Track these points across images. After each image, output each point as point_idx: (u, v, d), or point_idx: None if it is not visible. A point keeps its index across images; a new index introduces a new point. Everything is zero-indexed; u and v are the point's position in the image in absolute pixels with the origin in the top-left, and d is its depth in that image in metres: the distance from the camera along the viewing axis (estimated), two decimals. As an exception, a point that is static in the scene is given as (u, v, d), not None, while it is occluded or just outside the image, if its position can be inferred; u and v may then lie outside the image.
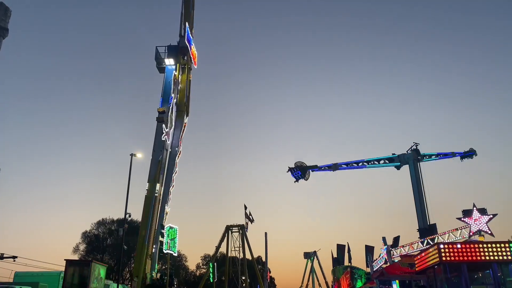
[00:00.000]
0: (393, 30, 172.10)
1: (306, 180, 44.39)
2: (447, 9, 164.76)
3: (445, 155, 45.63)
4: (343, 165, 44.47)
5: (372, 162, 44.54)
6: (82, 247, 63.44)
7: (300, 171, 43.65)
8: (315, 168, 44.48)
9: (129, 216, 32.57)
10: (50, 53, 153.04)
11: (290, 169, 44.21)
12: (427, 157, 44.93)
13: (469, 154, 45.60)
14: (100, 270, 22.63)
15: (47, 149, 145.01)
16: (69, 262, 21.78)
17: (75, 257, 59.75)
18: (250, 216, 57.99)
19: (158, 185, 27.34)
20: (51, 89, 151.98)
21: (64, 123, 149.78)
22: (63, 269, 22.23)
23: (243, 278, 58.58)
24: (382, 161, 44.36)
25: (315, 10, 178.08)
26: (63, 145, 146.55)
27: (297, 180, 44.23)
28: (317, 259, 72.27)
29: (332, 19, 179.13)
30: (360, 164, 44.56)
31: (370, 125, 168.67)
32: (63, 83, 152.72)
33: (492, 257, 14.56)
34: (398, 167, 44.18)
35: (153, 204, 26.74)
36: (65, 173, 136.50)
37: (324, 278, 71.85)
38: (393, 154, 45.49)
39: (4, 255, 24.90)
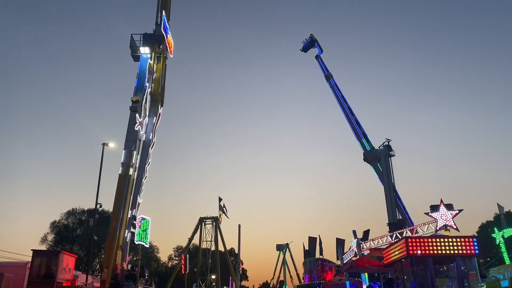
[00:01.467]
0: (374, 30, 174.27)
1: (305, 52, 48.30)
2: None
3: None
4: (334, 83, 46.84)
5: (353, 120, 45.30)
6: (50, 237, 62.13)
7: (309, 42, 47.87)
8: (320, 51, 47.82)
9: (100, 206, 32.11)
10: (17, 39, 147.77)
11: (305, 39, 48.18)
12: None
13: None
14: (69, 261, 22.19)
15: (15, 138, 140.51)
16: (36, 253, 21.24)
17: (43, 247, 58.47)
18: (224, 209, 58.02)
19: (130, 176, 26.92)
20: (21, 78, 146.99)
21: (33, 112, 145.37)
22: (29, 259, 21.68)
23: (213, 277, 58.58)
24: (361, 130, 45.38)
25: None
26: (32, 134, 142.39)
27: (303, 50, 48.14)
28: (289, 251, 73.15)
29: (312, 9, 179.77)
30: (345, 104, 45.73)
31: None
32: (34, 71, 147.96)
33: (456, 251, 15.02)
34: (365, 156, 44.97)
35: (125, 195, 26.33)
36: (33, 162, 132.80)
37: (296, 270, 72.89)
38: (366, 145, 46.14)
39: (-32, 245, 24.07)
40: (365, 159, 45.50)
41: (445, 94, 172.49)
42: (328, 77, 47.04)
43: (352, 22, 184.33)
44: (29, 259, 21.56)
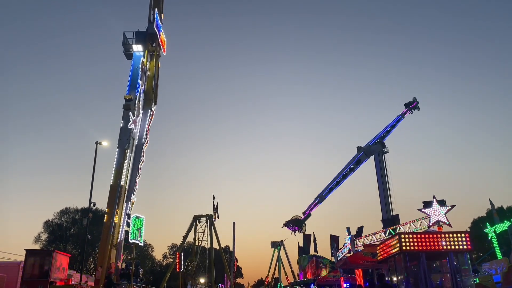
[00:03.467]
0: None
1: (304, 231, 44.99)
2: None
3: (397, 121, 46.05)
4: (326, 192, 46.00)
5: (348, 170, 45.56)
6: (44, 236, 61.80)
7: (297, 226, 44.65)
8: (308, 217, 44.75)
9: (94, 205, 31.94)
10: (11, 39, 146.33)
11: (286, 225, 44.32)
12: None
13: (414, 104, 46.74)
14: (62, 260, 22.09)
15: (7, 137, 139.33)
16: (29, 252, 21.13)
17: (37, 247, 58.14)
18: (216, 207, 58.04)
19: (124, 174, 26.81)
20: (12, 76, 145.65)
21: (26, 110, 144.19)
22: (23, 259, 21.56)
23: (202, 281, 58.61)
24: (352, 165, 45.43)
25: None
26: (24, 133, 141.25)
27: (293, 232, 45.33)
28: (284, 248, 73.35)
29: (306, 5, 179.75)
30: (339, 180, 45.56)
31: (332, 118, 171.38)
32: (25, 69, 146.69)
33: (449, 247, 15.15)
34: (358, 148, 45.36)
35: (119, 193, 26.24)
36: (27, 161, 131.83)
37: (290, 267, 73.08)
38: (358, 147, 46.43)
39: (-40, 245, 23.88)
40: (358, 148, 46.26)
41: (436, 92, 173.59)
42: (321, 200, 45.66)
43: (346, 21, 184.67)
44: (23, 258, 21.45)
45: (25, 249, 21.10)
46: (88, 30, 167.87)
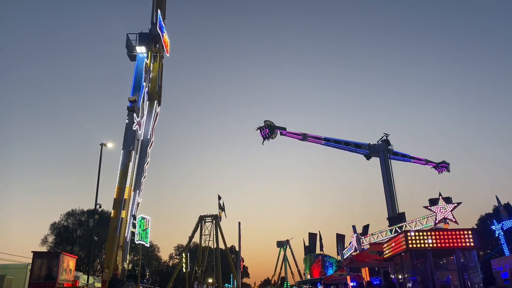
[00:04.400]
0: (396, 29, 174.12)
1: (273, 139, 43.01)
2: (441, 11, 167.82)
3: (417, 160, 45.74)
4: (312, 137, 43.26)
5: (342, 143, 44.39)
6: (50, 238, 62.09)
7: (268, 130, 41.84)
8: (283, 130, 43.28)
9: (100, 207, 32.14)
10: (17, 42, 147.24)
11: (260, 128, 43.06)
12: (398, 155, 44.94)
13: (444, 165, 46.32)
14: (69, 262, 22.18)
15: (14, 139, 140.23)
16: (36, 254, 21.21)
17: (44, 249, 58.43)
18: (223, 207, 58.10)
19: (129, 175, 26.91)
20: (18, 79, 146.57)
21: (32, 113, 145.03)
22: (30, 261, 21.68)
23: (210, 280, 58.69)
24: (351, 145, 44.29)
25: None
26: (31, 136, 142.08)
27: (264, 139, 42.13)
28: (290, 247, 73.34)
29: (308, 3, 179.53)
30: (330, 141, 44.17)
31: (348, 110, 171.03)
32: (31, 72, 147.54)
33: (455, 244, 15.07)
34: (367, 157, 44.58)
35: (124, 195, 26.34)
36: (33, 163, 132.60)
37: (297, 266, 73.06)
38: (363, 143, 46.09)
39: (-32, 248, 24.07)
40: (368, 159, 45.68)
41: (443, 88, 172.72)
42: (304, 138, 43.42)
43: (348, 19, 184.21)
44: (30, 260, 21.56)
45: (32, 251, 21.19)
46: (92, 32, 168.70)
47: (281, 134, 42.42)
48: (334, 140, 44.36)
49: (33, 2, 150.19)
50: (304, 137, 43.38)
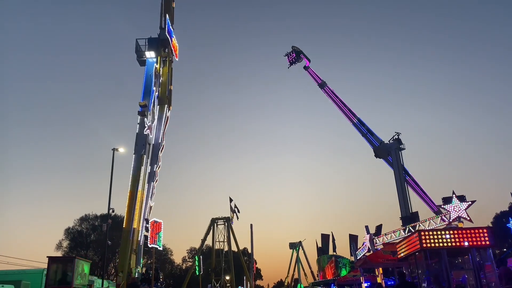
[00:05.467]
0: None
1: (299, 62, 43.70)
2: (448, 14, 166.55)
3: (428, 199, 41.64)
4: (329, 90, 43.01)
5: (356, 117, 43.16)
6: (65, 243, 62.79)
7: (295, 54, 43.46)
8: (308, 61, 43.69)
9: (113, 211, 32.36)
10: (29, 48, 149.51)
11: (287, 53, 44.01)
12: (410, 177, 41.46)
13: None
14: (84, 266, 22.39)
15: (28, 145, 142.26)
16: (51, 259, 21.46)
17: (59, 254, 59.11)
18: (236, 209, 58.09)
19: (141, 180, 27.11)
20: (31, 85, 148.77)
21: (44, 119, 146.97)
22: (46, 266, 21.96)
23: (227, 278, 58.77)
24: (364, 126, 43.06)
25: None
26: (44, 142, 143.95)
27: (291, 64, 43.92)
28: (302, 249, 73.10)
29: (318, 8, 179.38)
30: (345, 106, 42.94)
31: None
32: (44, 78, 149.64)
33: (470, 243, 14.90)
34: (376, 153, 43.95)
35: (137, 199, 26.53)
36: (46, 169, 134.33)
37: (310, 267, 72.82)
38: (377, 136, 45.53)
39: (-15, 254, 24.50)
40: (376, 155, 45.09)
41: (457, 85, 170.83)
42: (322, 85, 43.79)
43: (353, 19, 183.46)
44: (46, 265, 21.83)
45: (47, 257, 21.45)
46: (102, 37, 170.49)
47: (305, 68, 43.23)
48: (349, 108, 43.32)
49: (44, 10, 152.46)
50: (322, 84, 43.03)
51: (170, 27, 31.19)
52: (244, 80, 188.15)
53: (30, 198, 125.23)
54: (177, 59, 33.05)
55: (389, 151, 44.01)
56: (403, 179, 42.67)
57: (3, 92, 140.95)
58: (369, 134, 43.84)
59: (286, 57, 43.61)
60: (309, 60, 43.46)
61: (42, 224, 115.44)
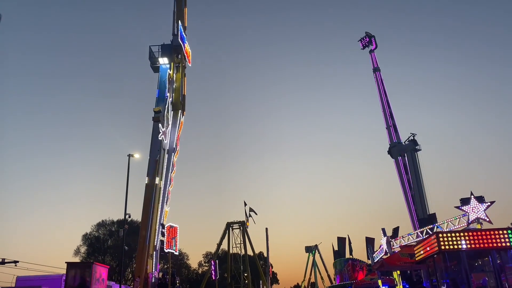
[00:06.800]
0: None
1: (370, 46, 49.18)
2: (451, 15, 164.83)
3: None
4: (380, 78, 47.87)
5: (389, 110, 46.14)
6: (83, 249, 63.51)
7: (368, 39, 49.22)
8: (375, 46, 49.09)
9: (129, 216, 32.56)
10: (47, 56, 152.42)
11: (361, 38, 49.57)
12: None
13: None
14: (101, 272, 22.65)
15: (45, 152, 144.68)
16: (70, 265, 21.77)
17: (77, 259, 59.83)
18: (251, 212, 57.98)
19: (157, 185, 27.33)
20: (49, 92, 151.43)
21: (59, 125, 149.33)
22: (64, 272, 22.24)
23: (246, 274, 58.76)
24: (393, 120, 45.63)
25: (312, 5, 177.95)
26: (60, 149, 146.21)
27: (364, 47, 49.49)
28: (319, 252, 72.58)
29: (329, 15, 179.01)
30: (384, 99, 46.50)
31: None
32: (59, 86, 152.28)
33: (490, 244, 14.64)
34: (390, 149, 44.61)
35: (153, 204, 26.75)
36: (62, 176, 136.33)
37: (326, 271, 72.24)
38: (390, 146, 45.60)
39: (6, 260, 24.88)
40: (389, 152, 45.14)
41: (473, 85, 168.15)
42: (376, 70, 48.57)
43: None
44: (64, 271, 22.12)
45: (66, 262, 21.76)
46: (117, 45, 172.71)
47: (370, 51, 48.87)
48: (388, 99, 46.99)
49: (57, 17, 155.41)
50: (376, 69, 48.38)
51: (183, 33, 31.50)
52: (259, 83, 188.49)
53: (48, 204, 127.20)
54: (190, 65, 33.34)
55: (402, 152, 43.73)
56: (420, 180, 42.21)
57: (26, 100, 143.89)
58: (393, 128, 45.57)
59: (360, 42, 49.49)
60: (376, 46, 48.99)
61: (60, 230, 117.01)
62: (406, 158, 43.84)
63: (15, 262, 25.29)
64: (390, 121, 45.96)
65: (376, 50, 49.63)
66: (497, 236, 14.75)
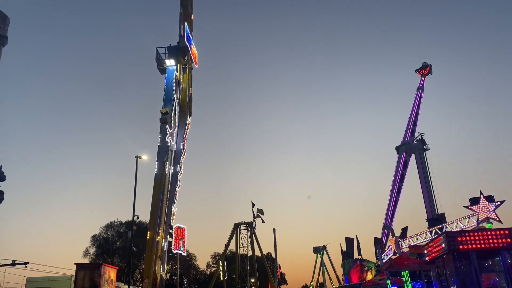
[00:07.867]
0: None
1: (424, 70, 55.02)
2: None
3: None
4: (420, 95, 52.87)
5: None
6: (92, 250, 63.89)
7: (423, 68, 54.65)
8: (429, 73, 55.51)
9: (137, 218, 32.73)
10: (55, 59, 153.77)
11: (419, 69, 54.59)
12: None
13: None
14: (110, 273, 22.74)
15: (54, 155, 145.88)
16: (79, 266, 21.90)
17: (86, 260, 60.19)
18: (259, 214, 57.85)
19: (164, 186, 27.42)
20: (57, 95, 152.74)
21: (67, 128, 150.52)
22: (73, 273, 22.38)
23: (252, 280, 58.65)
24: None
25: (315, 10, 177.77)
26: (69, 151, 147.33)
27: (422, 77, 53.93)
28: (327, 253, 72.29)
29: (334, 16, 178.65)
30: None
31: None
32: (68, 88, 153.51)
33: (500, 244, 14.48)
34: (398, 148, 45.21)
35: (160, 206, 26.84)
36: (71, 178, 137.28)
37: (335, 271, 71.93)
38: (396, 147, 45.78)
39: (16, 262, 25.08)
40: (397, 149, 45.40)
41: (477, 81, 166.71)
42: (420, 88, 53.17)
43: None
44: (73, 272, 22.25)
45: (75, 263, 21.89)
46: (124, 47, 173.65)
47: (424, 74, 54.55)
48: (418, 111, 50.58)
49: (65, 24, 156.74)
50: (421, 88, 53.33)
51: (189, 34, 31.58)
52: (265, 84, 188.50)
53: (57, 206, 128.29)
54: (196, 66, 33.42)
55: (410, 151, 43.63)
56: (429, 180, 41.97)
57: (35, 103, 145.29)
58: (410, 131, 46.60)
59: (417, 72, 55.05)
60: (431, 73, 55.23)
61: (70, 231, 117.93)
62: (411, 157, 43.97)
63: (25, 263, 25.48)
64: (411, 126, 48.70)
65: (427, 75, 54.95)
66: (508, 236, 14.58)
